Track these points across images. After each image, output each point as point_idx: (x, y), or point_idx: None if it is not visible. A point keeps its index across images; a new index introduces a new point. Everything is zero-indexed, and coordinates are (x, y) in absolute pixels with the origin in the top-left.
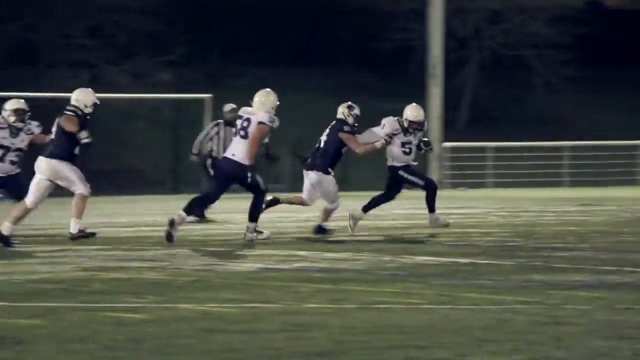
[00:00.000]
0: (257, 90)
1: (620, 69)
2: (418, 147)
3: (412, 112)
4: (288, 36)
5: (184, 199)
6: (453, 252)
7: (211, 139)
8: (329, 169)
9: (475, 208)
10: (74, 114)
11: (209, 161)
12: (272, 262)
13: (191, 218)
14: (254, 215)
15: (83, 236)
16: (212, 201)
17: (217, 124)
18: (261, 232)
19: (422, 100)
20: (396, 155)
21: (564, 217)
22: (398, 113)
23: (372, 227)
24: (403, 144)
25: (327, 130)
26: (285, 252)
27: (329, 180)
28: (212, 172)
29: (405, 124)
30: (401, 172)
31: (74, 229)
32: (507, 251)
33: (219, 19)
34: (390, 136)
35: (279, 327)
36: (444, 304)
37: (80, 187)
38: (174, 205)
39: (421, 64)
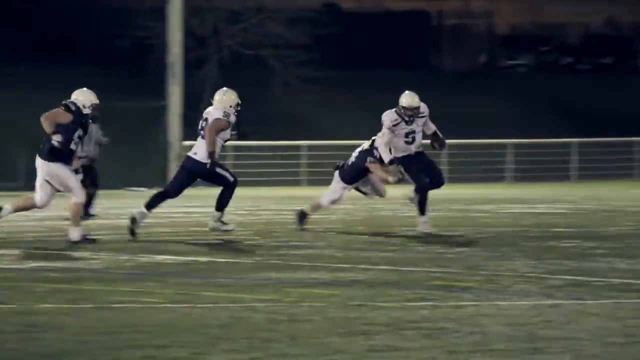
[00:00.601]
0: None
1: (356, 70)
2: (432, 146)
3: (405, 99)
4: (27, 31)
5: None
6: (192, 250)
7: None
8: (350, 182)
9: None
10: (66, 108)
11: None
12: (6, 262)
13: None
14: (221, 205)
15: (88, 241)
16: (172, 197)
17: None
18: (226, 224)
19: (162, 99)
20: (399, 146)
21: None
22: (141, 111)
23: (110, 226)
24: (406, 134)
25: (361, 148)
26: (21, 252)
27: (338, 185)
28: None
29: (401, 112)
30: (399, 167)
31: (74, 236)
32: (246, 249)
33: None
34: (399, 169)
35: (13, 329)
36: (182, 303)
37: (77, 195)
38: None
39: (161, 62)
